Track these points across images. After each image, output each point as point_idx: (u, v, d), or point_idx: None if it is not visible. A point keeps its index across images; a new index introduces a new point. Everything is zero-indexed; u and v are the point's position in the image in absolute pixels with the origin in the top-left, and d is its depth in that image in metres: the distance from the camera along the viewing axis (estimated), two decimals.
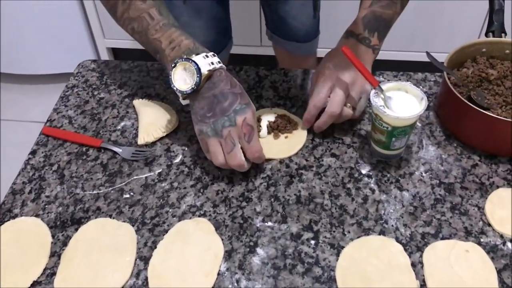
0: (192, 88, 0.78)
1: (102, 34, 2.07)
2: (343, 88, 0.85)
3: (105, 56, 2.16)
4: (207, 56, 0.79)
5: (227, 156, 0.79)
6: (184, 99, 0.82)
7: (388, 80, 1.00)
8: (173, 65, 0.79)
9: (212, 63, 0.79)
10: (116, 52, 2.23)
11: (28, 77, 2.22)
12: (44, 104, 2.12)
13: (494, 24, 0.95)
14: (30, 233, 0.78)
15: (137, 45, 2.24)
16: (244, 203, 0.81)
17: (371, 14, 0.90)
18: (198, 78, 0.77)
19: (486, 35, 0.96)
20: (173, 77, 0.79)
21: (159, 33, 0.83)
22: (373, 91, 0.81)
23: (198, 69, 0.77)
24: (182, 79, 0.79)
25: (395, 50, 1.96)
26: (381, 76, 1.02)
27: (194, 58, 0.78)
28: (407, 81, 0.99)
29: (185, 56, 0.79)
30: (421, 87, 0.99)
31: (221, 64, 0.81)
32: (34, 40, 2.05)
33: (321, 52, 1.57)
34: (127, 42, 2.10)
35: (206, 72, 0.78)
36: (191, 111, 0.82)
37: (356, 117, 0.90)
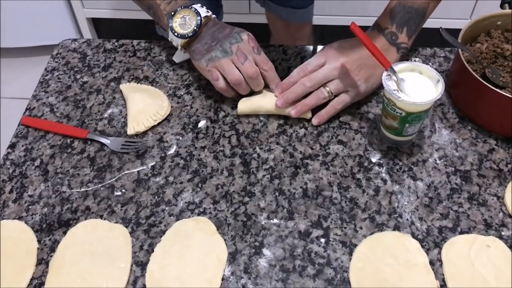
0: (194, 29, 0.82)
1: (81, 4, 1.95)
2: (329, 70, 0.80)
3: (84, 26, 2.04)
4: (202, 6, 0.85)
5: (242, 68, 0.80)
6: (182, 47, 0.84)
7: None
8: (172, 13, 0.83)
9: (208, 12, 0.85)
10: (96, 22, 2.11)
11: (3, 50, 2.10)
12: (20, 79, 2.02)
13: None
14: (14, 238, 0.71)
15: (117, 15, 2.12)
16: (246, 198, 0.74)
17: (400, 5, 0.82)
18: (199, 20, 0.82)
19: (501, 6, 0.89)
20: (172, 25, 0.83)
21: None
22: (385, 73, 0.74)
23: (198, 13, 0.82)
24: (181, 27, 0.83)
25: None
26: None
27: (193, 5, 0.83)
28: (415, 57, 0.93)
29: (184, 5, 0.84)
30: (430, 63, 0.92)
31: (215, 16, 0.86)
32: (7, 11, 1.92)
33: (316, 19, 1.51)
34: (107, 12, 1.98)
35: (204, 19, 0.83)
36: (192, 55, 0.85)
37: (334, 110, 0.82)
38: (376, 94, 0.87)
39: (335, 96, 0.82)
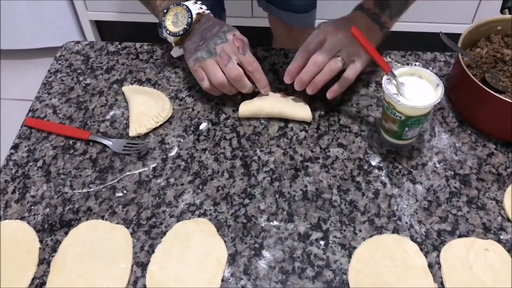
0: (184, 28, 0.83)
1: (85, 6, 1.96)
2: (334, 42, 0.80)
3: (88, 29, 2.05)
4: (196, 2, 0.85)
5: (225, 70, 0.80)
6: (176, 44, 0.86)
7: (397, 62, 0.93)
8: (165, 11, 0.84)
9: (201, 8, 0.85)
10: (99, 25, 2.12)
11: (6, 52, 2.11)
12: (23, 81, 2.03)
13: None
14: (16, 238, 0.72)
15: (120, 18, 2.13)
16: (247, 200, 0.75)
17: None
18: (190, 19, 0.83)
19: (502, 11, 0.90)
20: (165, 23, 0.84)
21: None
22: (385, 77, 0.74)
23: (189, 11, 0.83)
24: (173, 25, 0.84)
25: None
26: (388, 56, 0.95)
27: (185, 3, 0.84)
28: (416, 61, 0.94)
29: (176, 3, 0.84)
30: (430, 68, 0.93)
31: (209, 11, 0.86)
32: (12, 13, 1.93)
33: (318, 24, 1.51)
34: (111, 14, 1.99)
35: (196, 16, 0.83)
36: (184, 53, 0.86)
37: (349, 80, 0.81)
38: (376, 97, 0.88)
39: (343, 70, 0.81)
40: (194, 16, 0.83)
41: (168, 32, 0.84)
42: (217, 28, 0.83)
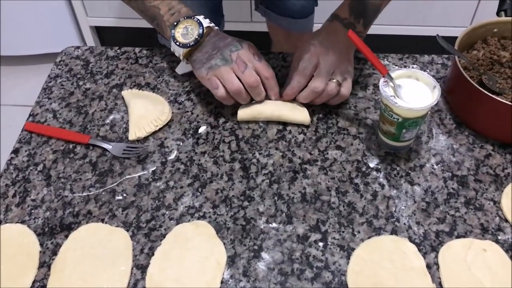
0: (196, 39, 0.83)
1: (85, 12, 1.97)
2: (328, 65, 0.82)
3: (88, 35, 2.06)
4: (205, 18, 0.86)
5: (242, 76, 0.80)
6: (184, 57, 0.85)
7: (395, 65, 0.94)
8: (175, 23, 0.84)
9: (211, 23, 0.85)
10: (99, 31, 2.13)
11: (6, 59, 2.12)
12: (24, 87, 2.04)
13: (507, 2, 0.89)
14: (16, 241, 0.72)
15: (120, 23, 2.13)
16: (246, 203, 0.75)
17: (358, 0, 0.85)
18: (201, 30, 0.83)
19: (498, 14, 0.90)
20: (175, 35, 0.84)
21: (157, 1, 0.87)
22: (382, 79, 0.75)
23: (201, 23, 0.83)
24: (183, 37, 0.84)
25: (388, 24, 1.88)
26: (385, 59, 0.96)
27: (196, 16, 0.84)
28: (413, 64, 0.95)
29: (186, 16, 0.85)
30: (428, 70, 0.94)
31: (217, 27, 0.86)
32: (12, 19, 1.94)
33: (317, 28, 1.52)
34: (111, 20, 2.00)
35: (206, 29, 0.83)
36: (193, 65, 0.85)
37: (345, 97, 0.84)
38: (374, 100, 0.89)
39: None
40: (205, 27, 0.83)
41: (178, 44, 0.83)
42: (230, 39, 0.84)
